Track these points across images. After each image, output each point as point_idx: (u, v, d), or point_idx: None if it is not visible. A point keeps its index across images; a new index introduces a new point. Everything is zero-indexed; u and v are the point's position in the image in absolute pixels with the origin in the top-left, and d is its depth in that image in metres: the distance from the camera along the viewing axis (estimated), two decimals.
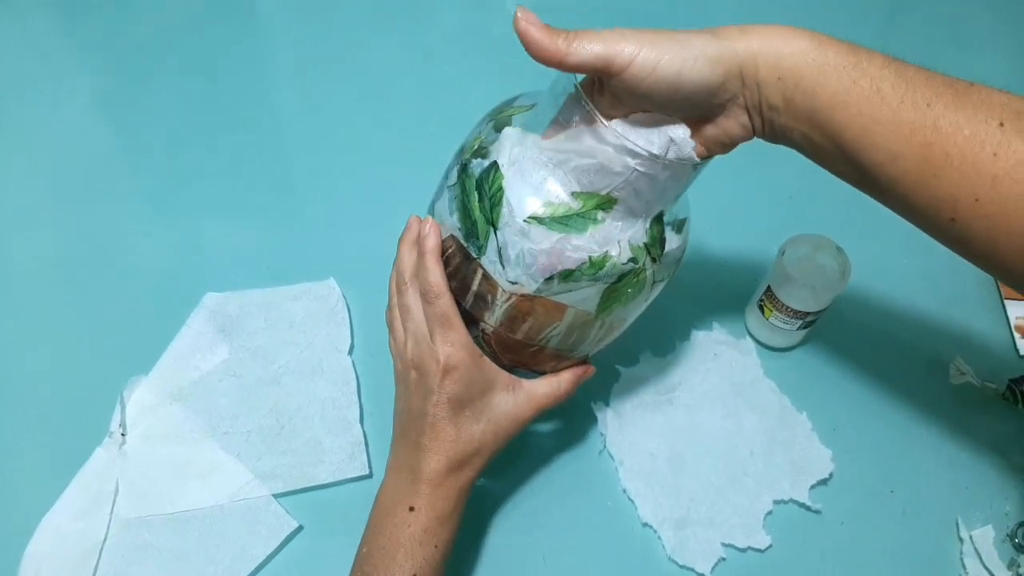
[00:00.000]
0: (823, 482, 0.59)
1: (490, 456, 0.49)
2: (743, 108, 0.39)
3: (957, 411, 0.63)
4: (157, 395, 0.60)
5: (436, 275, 0.46)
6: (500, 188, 0.42)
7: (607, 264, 0.42)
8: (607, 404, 0.62)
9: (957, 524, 0.57)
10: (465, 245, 0.44)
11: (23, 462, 0.59)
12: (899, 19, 0.98)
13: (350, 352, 0.64)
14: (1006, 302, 0.69)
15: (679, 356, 0.65)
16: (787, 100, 0.37)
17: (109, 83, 0.85)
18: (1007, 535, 0.57)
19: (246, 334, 0.64)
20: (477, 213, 0.43)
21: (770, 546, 0.56)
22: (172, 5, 0.93)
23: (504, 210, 0.42)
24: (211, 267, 0.69)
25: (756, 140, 0.42)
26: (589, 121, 0.40)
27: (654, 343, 0.65)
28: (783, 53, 0.36)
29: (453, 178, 0.46)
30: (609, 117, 0.40)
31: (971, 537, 0.56)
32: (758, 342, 0.66)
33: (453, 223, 0.45)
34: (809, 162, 0.41)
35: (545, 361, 0.50)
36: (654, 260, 0.44)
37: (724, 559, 0.55)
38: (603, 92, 0.40)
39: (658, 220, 0.44)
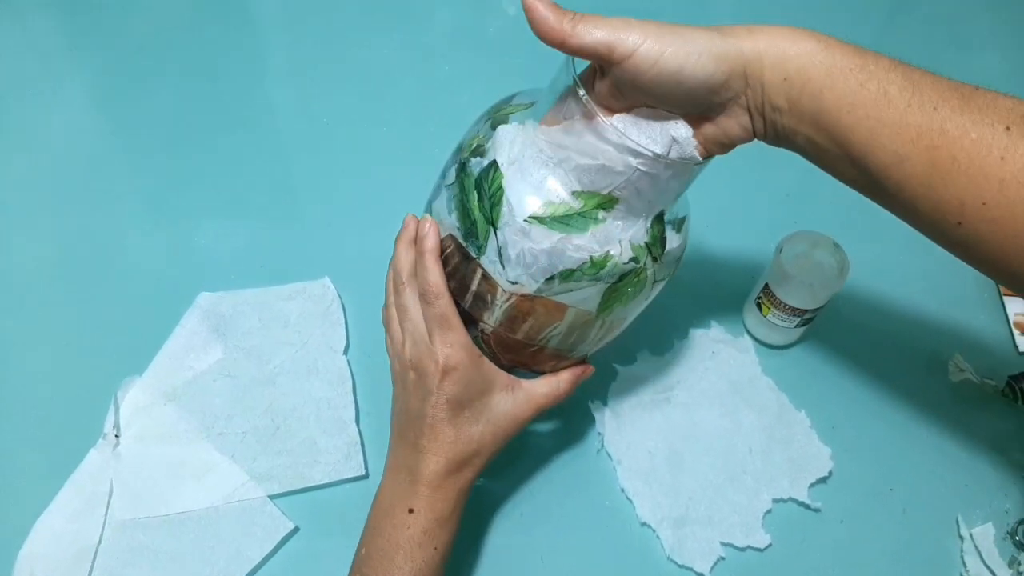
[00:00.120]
0: (822, 480, 0.59)
1: (489, 457, 0.49)
2: (744, 109, 0.38)
3: (956, 408, 0.63)
4: (151, 395, 0.60)
5: (435, 275, 0.45)
6: (500, 187, 0.42)
7: (608, 264, 0.42)
8: (605, 403, 0.61)
9: (957, 522, 0.57)
10: (464, 245, 0.44)
11: (17, 464, 0.58)
12: (899, 19, 0.97)
13: (345, 352, 0.64)
14: (1005, 299, 0.69)
15: (677, 354, 0.64)
16: (792, 102, 0.37)
17: (106, 83, 0.85)
18: (1007, 533, 0.56)
19: (240, 334, 0.64)
20: (476, 212, 0.43)
21: (769, 545, 0.55)
22: (170, 6, 0.92)
23: (504, 209, 0.41)
24: (205, 267, 0.69)
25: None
26: (590, 118, 0.39)
27: (652, 342, 0.65)
28: (789, 54, 0.36)
29: (451, 177, 0.45)
30: (608, 110, 0.40)
31: (971, 535, 0.56)
32: (756, 340, 0.66)
33: (452, 222, 0.45)
34: (807, 160, 0.40)
35: (544, 361, 0.49)
36: (655, 259, 0.44)
37: (723, 558, 0.55)
38: (604, 83, 0.40)
39: (659, 219, 0.44)
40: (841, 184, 0.40)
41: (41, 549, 0.53)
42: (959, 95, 0.34)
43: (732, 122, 0.39)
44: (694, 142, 0.40)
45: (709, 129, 0.40)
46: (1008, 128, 0.33)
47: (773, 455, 0.59)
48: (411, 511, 0.46)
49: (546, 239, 0.41)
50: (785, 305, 0.60)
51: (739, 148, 0.42)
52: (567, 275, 0.42)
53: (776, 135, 0.39)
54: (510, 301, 0.44)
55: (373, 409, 0.61)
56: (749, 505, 0.57)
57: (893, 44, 0.93)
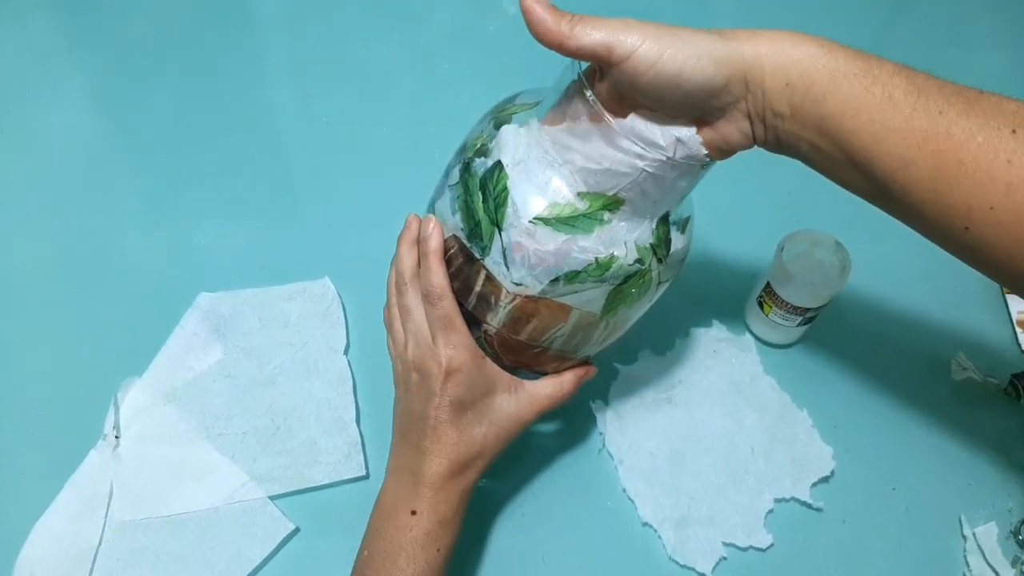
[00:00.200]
0: (824, 480, 0.58)
1: (492, 458, 0.49)
2: (744, 115, 0.38)
3: (959, 407, 0.62)
4: (151, 396, 0.60)
5: (439, 276, 0.45)
6: (505, 188, 0.41)
7: (613, 265, 0.42)
8: (606, 403, 0.61)
9: (960, 521, 0.57)
10: (468, 246, 0.44)
11: (17, 465, 0.58)
12: (899, 19, 0.97)
13: (346, 352, 0.63)
14: (1008, 297, 0.69)
15: (678, 354, 0.64)
16: (794, 107, 0.36)
17: (106, 83, 0.85)
18: (1011, 532, 0.56)
19: (240, 334, 0.64)
20: (481, 213, 0.42)
21: (771, 545, 0.55)
22: (170, 6, 0.92)
23: (509, 210, 0.41)
24: (205, 267, 0.69)
25: None
26: (595, 119, 0.39)
27: (653, 341, 0.64)
28: (792, 59, 0.36)
29: (455, 177, 0.45)
30: (610, 113, 0.40)
31: (974, 534, 0.56)
32: (758, 339, 0.66)
33: (455, 223, 0.44)
34: (810, 167, 0.40)
35: (547, 362, 0.49)
36: (660, 261, 0.44)
37: (725, 558, 0.55)
38: (603, 84, 0.39)
39: (664, 220, 0.43)
40: (831, 181, 0.40)
41: (41, 551, 0.53)
42: (964, 99, 0.34)
43: (732, 128, 0.39)
44: (699, 140, 0.39)
45: (708, 134, 0.39)
46: (1014, 131, 0.33)
47: (775, 455, 0.59)
48: (414, 513, 0.46)
49: (551, 240, 0.41)
50: (787, 304, 0.60)
51: None
52: (572, 277, 0.42)
53: (778, 142, 0.39)
54: (514, 302, 0.44)
55: (373, 409, 0.61)
56: (751, 505, 0.57)
57: (893, 44, 0.93)
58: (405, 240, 0.49)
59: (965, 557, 0.55)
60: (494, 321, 0.46)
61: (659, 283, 0.45)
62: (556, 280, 0.42)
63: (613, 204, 0.41)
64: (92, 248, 0.70)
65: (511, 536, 0.56)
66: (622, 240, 0.42)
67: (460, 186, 0.44)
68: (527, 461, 0.59)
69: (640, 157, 0.39)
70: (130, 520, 0.55)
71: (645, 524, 0.56)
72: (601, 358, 0.53)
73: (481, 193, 0.42)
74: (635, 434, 0.60)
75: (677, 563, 0.54)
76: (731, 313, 0.67)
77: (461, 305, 0.46)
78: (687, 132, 0.39)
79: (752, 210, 0.74)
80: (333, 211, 0.74)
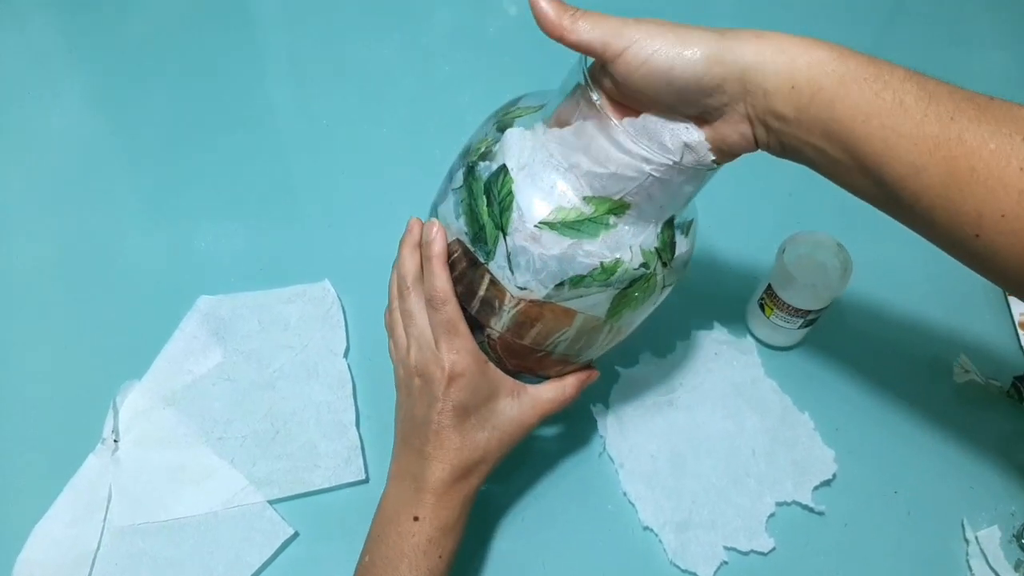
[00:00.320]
0: (826, 483, 0.58)
1: (495, 463, 0.49)
2: (744, 116, 0.38)
3: (961, 410, 0.62)
4: (150, 400, 0.60)
5: (443, 281, 0.45)
6: (510, 192, 0.41)
7: (619, 270, 0.42)
8: (607, 406, 0.61)
9: (962, 525, 0.57)
10: (472, 250, 0.44)
11: (15, 469, 0.58)
12: (899, 19, 0.97)
13: (345, 355, 0.63)
14: (1010, 299, 0.68)
15: (679, 356, 0.64)
16: (799, 110, 0.36)
17: (105, 85, 0.84)
18: (1013, 536, 0.56)
19: (240, 337, 0.63)
20: (485, 217, 0.42)
21: (773, 549, 0.55)
22: (169, 7, 0.92)
23: (514, 215, 0.41)
24: (205, 270, 0.69)
25: None
26: (601, 122, 0.39)
27: (654, 343, 0.64)
28: (799, 63, 0.35)
29: (458, 181, 0.45)
30: (614, 108, 0.39)
31: (977, 538, 0.55)
32: (759, 341, 0.65)
33: (459, 227, 0.44)
34: (815, 171, 0.40)
35: (550, 366, 0.49)
36: (664, 265, 0.44)
37: (726, 562, 0.55)
38: (607, 81, 0.39)
39: (669, 224, 0.43)
40: (837, 185, 0.39)
41: (39, 555, 0.53)
42: (975, 105, 0.34)
43: (730, 129, 0.39)
44: (707, 146, 0.39)
45: (707, 133, 0.39)
46: None
47: (776, 458, 0.59)
48: (416, 519, 0.46)
49: (556, 245, 0.41)
50: (788, 306, 0.60)
51: None
52: (577, 281, 0.42)
53: (781, 145, 0.38)
54: (518, 307, 0.43)
55: (373, 413, 0.61)
56: (752, 508, 0.56)
57: (893, 45, 0.93)
58: (407, 243, 0.49)
59: (968, 561, 0.55)
60: (498, 325, 0.45)
61: (663, 287, 0.45)
62: (561, 284, 0.42)
63: (619, 208, 0.41)
64: (91, 250, 0.70)
65: (512, 540, 0.56)
66: (627, 244, 0.41)
67: (464, 190, 0.44)
68: (528, 465, 0.59)
69: (646, 161, 0.39)
70: (129, 524, 0.54)
71: (646, 528, 0.56)
72: (602, 361, 0.53)
73: (486, 197, 0.42)
74: (636, 437, 0.59)
75: (678, 567, 0.54)
76: (732, 315, 0.67)
77: (464, 309, 0.46)
78: (695, 137, 0.39)
79: (753, 212, 0.74)
80: (333, 213, 0.73)
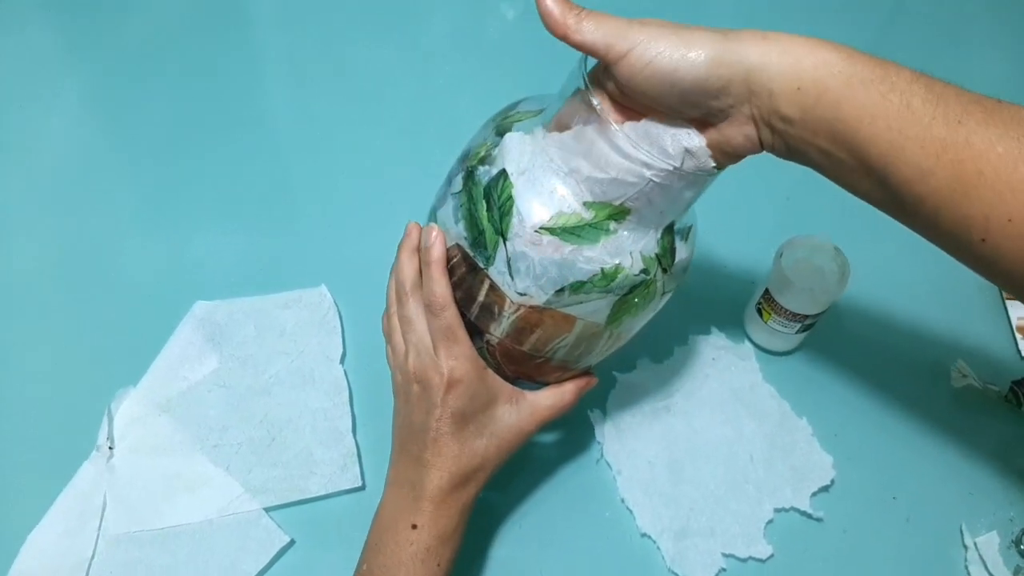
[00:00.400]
0: (824, 489, 0.58)
1: (493, 470, 0.48)
2: (749, 118, 0.37)
3: (959, 415, 0.62)
4: (145, 407, 0.59)
5: (442, 286, 0.45)
6: (510, 197, 0.41)
7: (619, 276, 0.41)
8: (604, 412, 0.61)
9: (961, 531, 0.56)
10: (471, 255, 0.43)
11: (8, 477, 0.57)
12: (899, 20, 0.97)
13: (342, 361, 0.63)
14: (1007, 303, 0.68)
15: (677, 362, 0.64)
16: (805, 112, 0.35)
17: (101, 91, 0.84)
18: (1012, 541, 0.56)
19: (236, 343, 0.63)
20: (485, 222, 0.42)
21: (771, 556, 0.55)
22: (167, 10, 0.92)
23: (514, 220, 0.41)
24: (201, 275, 0.68)
25: None
26: (602, 127, 0.39)
27: (651, 349, 0.64)
28: (805, 64, 0.35)
29: (458, 185, 0.44)
30: (618, 108, 0.39)
31: (976, 544, 0.55)
32: (757, 346, 0.65)
33: (458, 232, 0.44)
34: (820, 174, 0.40)
35: (549, 372, 0.49)
36: (664, 271, 0.43)
37: (725, 570, 0.54)
38: (611, 82, 0.39)
39: (669, 230, 0.43)
40: (841, 188, 0.39)
41: (33, 564, 0.52)
42: (982, 108, 0.34)
43: (735, 131, 0.38)
44: (708, 151, 0.39)
45: (712, 135, 0.39)
46: None
47: (775, 463, 0.58)
48: (414, 527, 0.45)
49: (556, 250, 0.40)
50: (786, 311, 0.60)
51: None
52: (577, 287, 0.41)
53: (787, 147, 0.38)
54: (518, 313, 0.43)
55: (370, 419, 0.60)
56: (751, 515, 0.56)
57: (892, 46, 0.92)
58: (405, 248, 0.48)
59: (967, 567, 0.55)
60: (497, 331, 0.45)
61: (663, 293, 0.45)
62: (561, 290, 0.42)
63: (619, 214, 0.40)
64: (85, 254, 0.70)
65: (509, 548, 0.55)
66: (628, 250, 0.41)
67: (463, 194, 0.44)
68: (526, 472, 0.58)
69: (647, 167, 0.38)
70: (124, 533, 0.54)
71: (644, 535, 0.55)
72: (600, 367, 0.52)
73: (485, 202, 0.42)
74: (633, 443, 0.59)
75: (676, 574, 0.54)
76: (730, 320, 0.67)
77: (463, 315, 0.46)
78: (696, 142, 0.39)
79: (750, 216, 0.74)
80: (330, 217, 0.73)
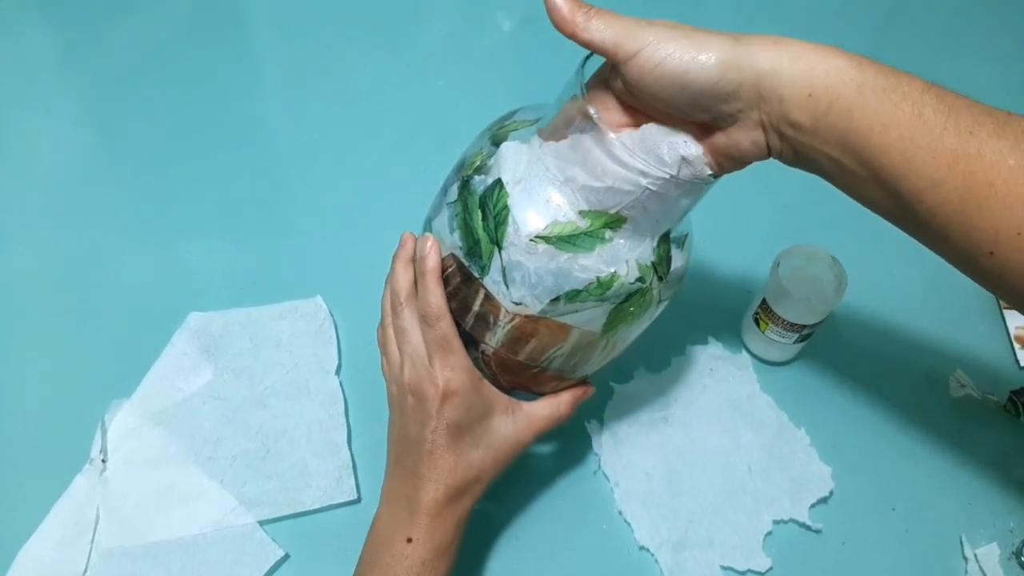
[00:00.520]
0: (823, 500, 0.58)
1: (489, 482, 0.48)
2: (758, 123, 0.37)
3: (958, 425, 0.62)
4: (139, 419, 0.59)
5: (437, 297, 0.44)
6: (505, 207, 0.41)
7: (615, 284, 0.41)
8: (601, 423, 0.60)
9: (961, 542, 0.56)
10: (466, 264, 0.43)
11: (0, 490, 0.57)
12: (897, 23, 0.97)
13: (337, 372, 0.62)
14: (1005, 312, 0.68)
15: (674, 372, 0.63)
16: (816, 119, 0.35)
17: (94, 101, 0.84)
18: (1012, 553, 0.55)
19: (231, 355, 0.63)
20: (480, 232, 0.42)
21: (770, 568, 0.54)
22: (161, 21, 0.92)
23: (509, 229, 0.41)
24: (195, 286, 0.68)
25: None
26: (599, 135, 0.39)
27: (648, 359, 0.64)
28: (817, 71, 0.35)
29: (453, 195, 0.44)
30: (622, 110, 0.39)
31: (976, 555, 0.55)
32: (754, 356, 0.65)
33: (453, 241, 0.44)
34: (804, 172, 0.40)
35: (545, 382, 0.48)
36: (660, 279, 0.43)
37: None
38: (619, 81, 0.39)
39: (665, 238, 0.43)
40: (839, 196, 0.39)
41: None
42: (994, 120, 0.33)
43: (743, 136, 0.38)
44: (704, 159, 0.39)
45: (720, 140, 0.39)
46: None
47: (773, 474, 0.58)
48: (410, 541, 0.45)
49: (552, 259, 0.40)
50: (783, 321, 0.59)
51: None
52: (573, 296, 0.41)
53: (795, 154, 0.38)
54: (513, 322, 0.43)
55: (366, 431, 0.60)
56: (749, 526, 0.56)
57: (889, 50, 0.93)
58: (400, 258, 0.48)
59: None
60: (492, 341, 0.45)
61: (659, 301, 0.45)
62: (556, 299, 0.41)
63: (615, 222, 0.40)
64: (79, 265, 0.69)
65: (506, 560, 0.55)
66: (623, 258, 0.41)
67: (458, 204, 0.43)
68: (522, 483, 0.58)
69: (643, 175, 0.38)
70: (117, 546, 0.53)
71: (642, 547, 0.55)
72: (596, 377, 0.52)
73: (480, 211, 0.42)
74: (631, 454, 0.59)
75: None
76: (727, 330, 0.66)
77: (458, 325, 0.45)
78: (693, 150, 0.39)
79: (747, 225, 0.74)
80: (325, 228, 0.73)
